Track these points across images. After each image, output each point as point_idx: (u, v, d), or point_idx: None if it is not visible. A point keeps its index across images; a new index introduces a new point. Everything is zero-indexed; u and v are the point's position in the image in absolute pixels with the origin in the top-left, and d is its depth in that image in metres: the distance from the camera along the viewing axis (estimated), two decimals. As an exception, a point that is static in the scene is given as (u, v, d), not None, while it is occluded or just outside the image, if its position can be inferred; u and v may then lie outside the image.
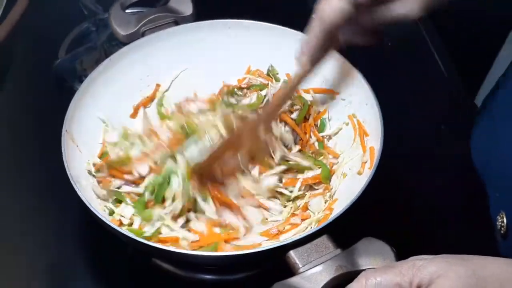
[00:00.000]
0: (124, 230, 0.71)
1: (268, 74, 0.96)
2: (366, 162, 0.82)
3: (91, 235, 0.84)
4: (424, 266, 0.55)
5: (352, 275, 0.61)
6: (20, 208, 0.88)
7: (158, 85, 0.94)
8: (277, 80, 0.95)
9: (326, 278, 0.64)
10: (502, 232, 0.77)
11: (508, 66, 0.83)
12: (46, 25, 1.11)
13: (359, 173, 0.82)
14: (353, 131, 0.87)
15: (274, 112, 0.85)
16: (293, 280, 0.64)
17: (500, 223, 0.78)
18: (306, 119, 0.90)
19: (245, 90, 0.93)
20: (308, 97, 0.93)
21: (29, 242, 0.84)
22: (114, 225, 0.71)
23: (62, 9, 1.12)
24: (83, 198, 0.72)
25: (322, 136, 0.90)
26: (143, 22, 0.94)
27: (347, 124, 0.89)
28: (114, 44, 1.00)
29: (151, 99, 0.93)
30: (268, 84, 0.94)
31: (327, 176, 0.85)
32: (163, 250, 0.70)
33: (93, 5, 1.08)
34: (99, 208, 0.77)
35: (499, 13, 0.90)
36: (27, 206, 0.88)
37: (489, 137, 0.84)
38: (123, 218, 0.79)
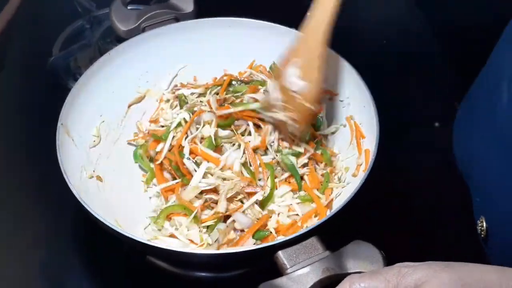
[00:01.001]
0: (117, 227, 0.71)
1: (269, 72, 0.95)
2: (361, 164, 0.82)
3: (86, 231, 0.84)
4: (409, 273, 0.55)
5: (339, 278, 0.61)
6: (15, 205, 0.88)
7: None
8: None
9: (312, 279, 0.64)
10: (482, 236, 0.77)
11: (483, 70, 0.82)
12: (40, 22, 1.11)
13: (354, 175, 0.82)
14: (350, 133, 0.87)
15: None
16: (280, 280, 0.64)
17: (480, 227, 0.78)
18: None
19: (242, 85, 0.93)
20: None
21: (24, 240, 0.85)
22: (108, 222, 0.70)
23: (56, 6, 1.11)
24: (76, 194, 0.72)
25: (319, 135, 0.90)
26: (143, 18, 0.94)
27: (344, 125, 0.89)
28: (109, 41, 1.00)
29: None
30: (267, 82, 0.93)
31: (329, 157, 0.86)
32: (156, 248, 0.70)
33: (87, 2, 1.08)
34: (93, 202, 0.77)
35: (495, 10, 0.89)
36: (21, 203, 0.89)
37: (467, 142, 0.84)
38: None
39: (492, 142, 0.76)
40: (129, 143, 0.90)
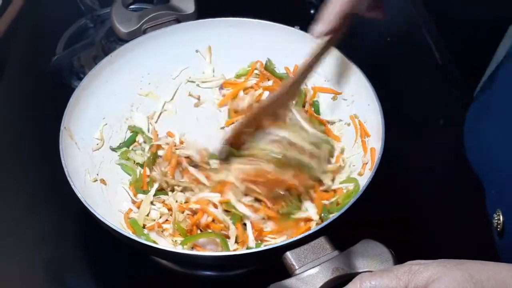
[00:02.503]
0: (122, 230, 0.70)
1: (266, 69, 0.95)
2: (367, 163, 0.82)
3: (89, 232, 0.83)
4: (420, 271, 0.54)
5: (349, 277, 0.60)
6: (19, 205, 0.87)
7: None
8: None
9: (322, 280, 0.63)
10: (498, 230, 0.77)
11: (502, 60, 0.82)
12: (43, 21, 1.11)
13: (360, 174, 0.82)
14: (354, 131, 0.87)
15: (292, 89, 0.85)
16: (289, 281, 0.63)
17: (496, 221, 0.77)
18: (303, 107, 0.91)
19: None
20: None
21: (28, 240, 0.84)
22: (110, 223, 0.70)
23: (59, 5, 1.11)
24: (81, 198, 0.72)
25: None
26: (144, 20, 0.93)
27: (348, 124, 0.89)
28: (112, 40, 0.99)
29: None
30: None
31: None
32: (162, 251, 0.70)
33: (90, 1, 1.08)
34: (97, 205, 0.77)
35: (498, 7, 0.89)
36: (24, 203, 0.88)
37: (482, 132, 0.83)
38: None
39: (509, 131, 0.75)
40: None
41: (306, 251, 0.67)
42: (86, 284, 0.82)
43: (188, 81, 0.96)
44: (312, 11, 1.12)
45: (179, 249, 0.74)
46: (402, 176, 0.89)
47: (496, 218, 0.77)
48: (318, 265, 0.65)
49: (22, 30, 1.09)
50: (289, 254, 0.66)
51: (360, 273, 0.62)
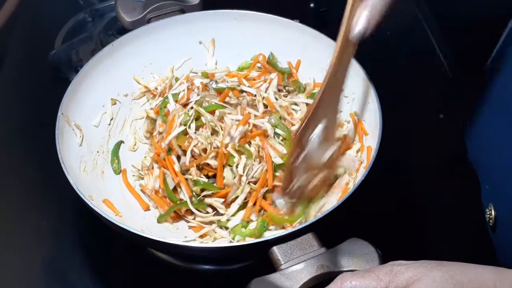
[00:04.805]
0: (115, 220, 0.70)
1: (268, 62, 0.95)
2: (362, 162, 0.81)
3: (88, 226, 0.84)
4: (401, 271, 0.54)
5: (334, 275, 0.60)
6: (17, 203, 0.88)
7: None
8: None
9: (306, 276, 0.63)
10: (490, 224, 0.77)
11: (499, 57, 0.81)
12: (42, 15, 1.11)
13: (355, 172, 0.81)
14: (353, 129, 0.86)
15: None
16: (273, 276, 0.63)
17: (488, 215, 0.77)
18: None
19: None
20: (304, 80, 0.94)
21: (26, 236, 0.84)
22: (106, 215, 0.70)
23: (58, -1, 1.12)
24: (73, 184, 0.72)
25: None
26: (149, 9, 0.94)
27: (348, 122, 0.88)
28: (110, 33, 1.00)
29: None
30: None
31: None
32: (153, 241, 0.70)
33: (89, -5, 1.09)
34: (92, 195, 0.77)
35: (500, 3, 0.88)
36: (23, 200, 0.88)
37: (480, 130, 0.83)
38: None
39: (505, 129, 0.75)
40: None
41: (293, 246, 0.66)
42: (85, 280, 0.82)
43: (191, 72, 0.96)
44: (312, 5, 1.12)
45: (169, 240, 0.73)
46: (397, 175, 0.89)
47: (488, 213, 0.77)
48: (303, 261, 0.65)
49: (20, 24, 1.09)
50: (275, 249, 0.66)
51: (344, 271, 0.62)
